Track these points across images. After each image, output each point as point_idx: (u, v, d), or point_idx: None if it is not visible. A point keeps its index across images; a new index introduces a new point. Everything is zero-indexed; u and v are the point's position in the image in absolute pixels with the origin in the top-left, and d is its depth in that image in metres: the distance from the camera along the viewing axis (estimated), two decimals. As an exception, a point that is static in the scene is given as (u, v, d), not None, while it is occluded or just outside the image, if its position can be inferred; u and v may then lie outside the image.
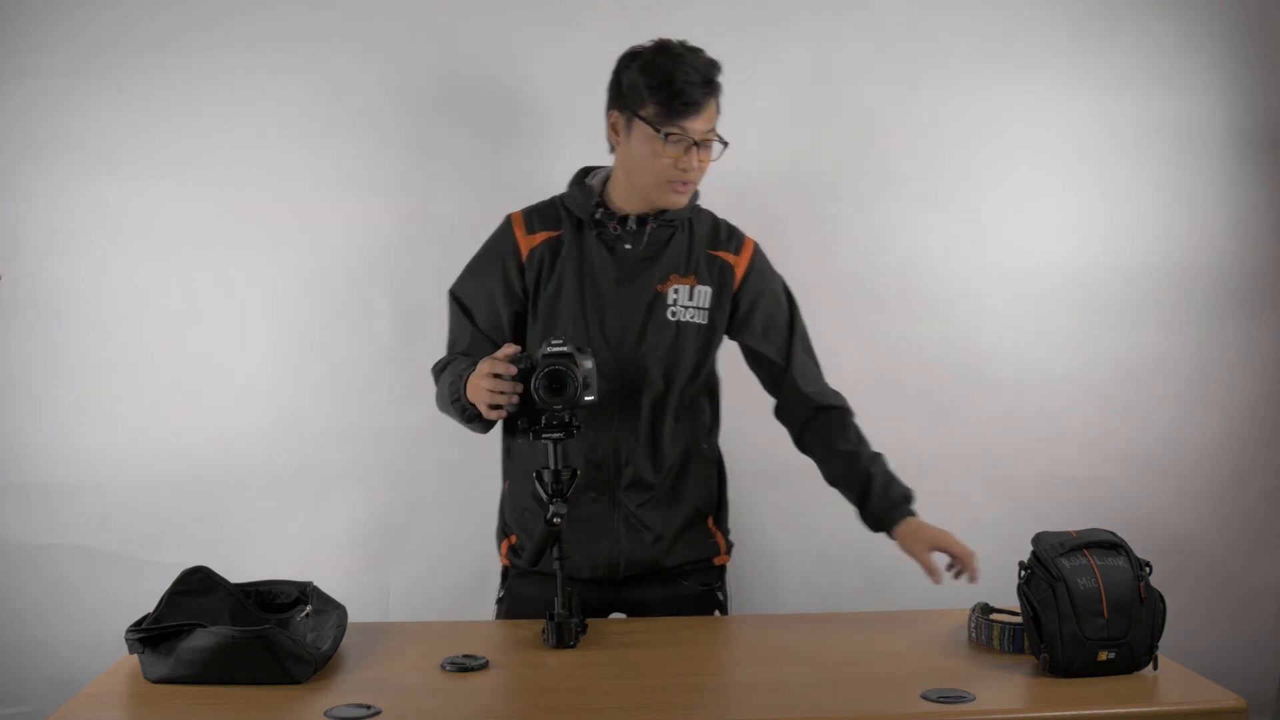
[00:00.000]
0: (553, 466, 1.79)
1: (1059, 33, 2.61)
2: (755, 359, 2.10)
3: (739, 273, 2.04)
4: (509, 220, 2.04)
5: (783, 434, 2.62)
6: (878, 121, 2.61)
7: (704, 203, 2.09)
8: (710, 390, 2.09)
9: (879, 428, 2.63)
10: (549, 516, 1.76)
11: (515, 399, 1.80)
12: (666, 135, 1.90)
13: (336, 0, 2.54)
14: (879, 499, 1.99)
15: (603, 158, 2.17)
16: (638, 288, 1.99)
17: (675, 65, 1.91)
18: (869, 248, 2.63)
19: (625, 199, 2.00)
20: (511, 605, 2.07)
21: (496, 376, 1.80)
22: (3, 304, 2.51)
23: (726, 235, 2.07)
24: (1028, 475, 2.65)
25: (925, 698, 1.51)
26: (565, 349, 1.79)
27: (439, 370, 2.04)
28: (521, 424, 1.84)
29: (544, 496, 1.78)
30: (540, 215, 2.03)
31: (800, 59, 2.60)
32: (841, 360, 2.62)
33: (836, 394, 2.11)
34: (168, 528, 2.55)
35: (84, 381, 2.54)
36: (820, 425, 2.08)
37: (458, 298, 2.05)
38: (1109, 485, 2.65)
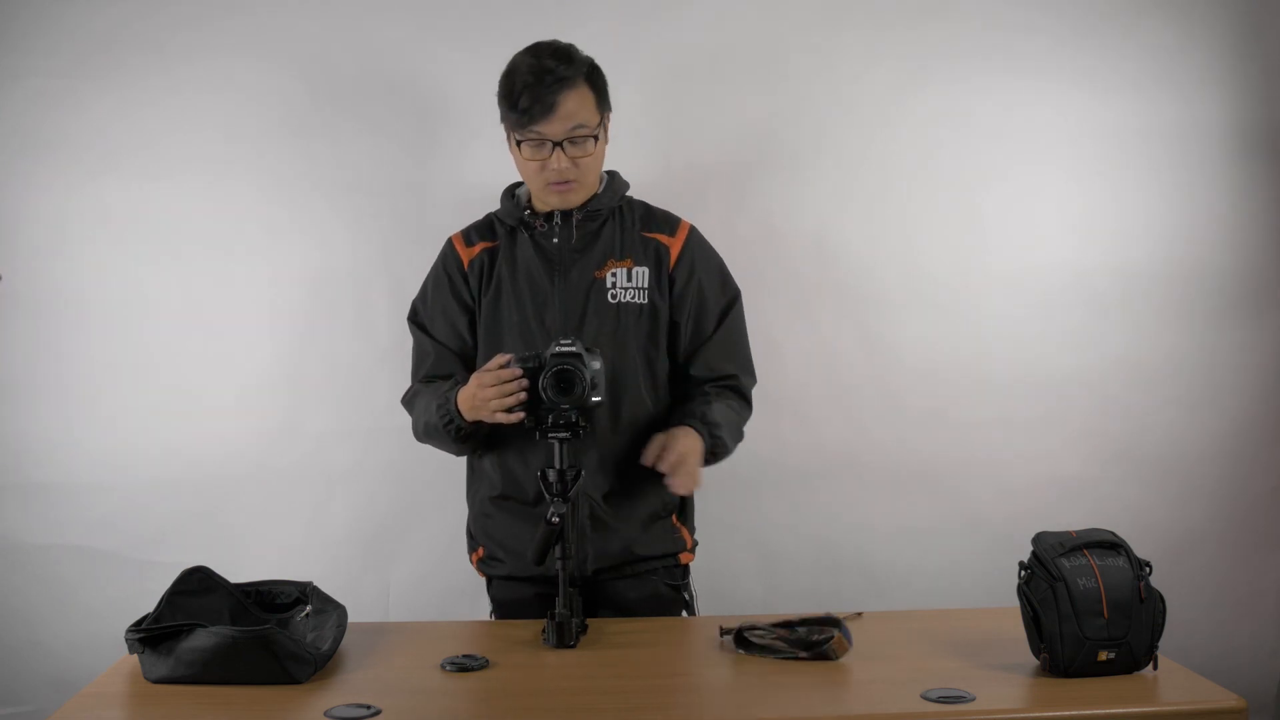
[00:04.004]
0: (557, 466, 1.79)
1: (1059, 33, 2.61)
2: (675, 333, 2.08)
3: (674, 252, 2.05)
4: (449, 240, 2.12)
5: (781, 435, 2.63)
6: (878, 121, 2.61)
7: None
8: (669, 384, 2.08)
9: (879, 428, 2.65)
10: (549, 515, 1.75)
11: (524, 395, 1.82)
12: (519, 143, 1.95)
13: (336, 0, 2.55)
14: (683, 413, 1.98)
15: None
16: (575, 277, 2.02)
17: (516, 71, 1.95)
18: (869, 248, 2.63)
19: (540, 202, 2.05)
20: (499, 614, 2.10)
21: (501, 383, 1.83)
22: (3, 304, 2.51)
23: (661, 219, 2.10)
24: (1028, 475, 2.65)
25: (925, 698, 1.51)
26: (574, 349, 1.79)
27: (409, 400, 2.09)
28: (528, 422, 1.84)
29: (546, 496, 1.78)
30: (477, 230, 2.11)
31: (800, 59, 2.60)
32: (842, 360, 2.64)
33: (733, 376, 2.07)
34: (168, 528, 2.55)
35: (84, 382, 2.54)
36: (686, 395, 2.06)
37: (415, 320, 2.12)
38: (1109, 485, 2.65)
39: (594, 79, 1.98)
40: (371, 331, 2.56)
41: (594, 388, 1.80)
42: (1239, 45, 2.63)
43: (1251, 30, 2.63)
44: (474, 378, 1.89)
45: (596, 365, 1.82)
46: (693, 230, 2.10)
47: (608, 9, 2.54)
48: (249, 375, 2.57)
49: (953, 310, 2.63)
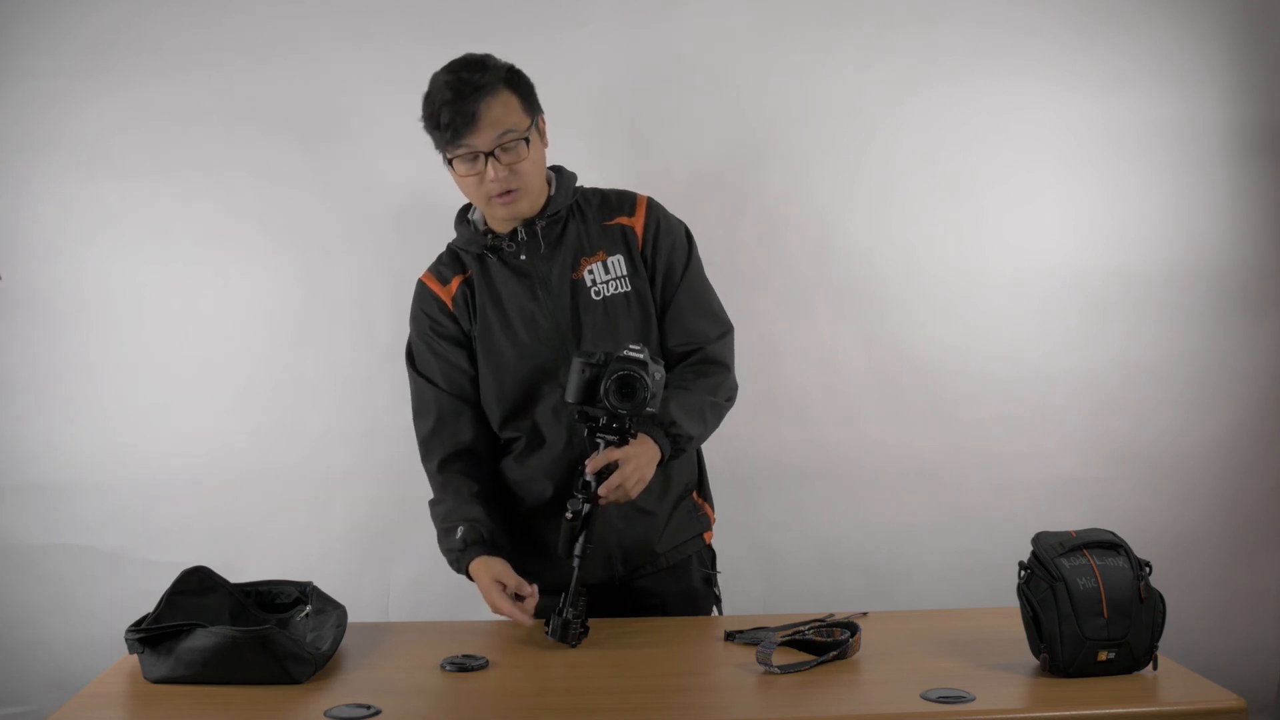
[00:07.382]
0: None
1: (1059, 33, 2.61)
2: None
3: (639, 232, 2.01)
4: (421, 283, 2.06)
5: (780, 434, 2.63)
6: (878, 121, 2.61)
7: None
8: (666, 364, 2.04)
9: (879, 427, 2.65)
10: (567, 511, 1.77)
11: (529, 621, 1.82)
12: (450, 161, 1.91)
13: (336, 0, 2.55)
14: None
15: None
16: (555, 287, 1.98)
17: (433, 91, 1.91)
18: (869, 248, 2.63)
19: (495, 221, 2.01)
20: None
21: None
22: (3, 304, 2.51)
23: (617, 202, 2.05)
24: (1028, 475, 2.65)
25: (925, 698, 1.51)
26: (641, 356, 1.77)
27: (432, 507, 2.05)
28: (578, 415, 1.83)
29: (576, 493, 1.78)
30: (446, 265, 2.06)
31: (800, 59, 2.60)
32: (841, 360, 2.64)
33: (703, 334, 2.02)
34: (168, 528, 2.55)
35: (84, 381, 2.54)
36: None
37: (412, 365, 2.06)
38: (1109, 485, 2.65)
39: (515, 83, 1.92)
40: (371, 331, 2.56)
41: (654, 397, 1.77)
42: (1239, 45, 2.64)
43: (1251, 30, 2.63)
44: (491, 592, 1.85)
45: (660, 375, 1.78)
46: (650, 203, 2.05)
47: (608, 9, 2.54)
48: (249, 375, 2.57)
49: (953, 310, 2.64)
